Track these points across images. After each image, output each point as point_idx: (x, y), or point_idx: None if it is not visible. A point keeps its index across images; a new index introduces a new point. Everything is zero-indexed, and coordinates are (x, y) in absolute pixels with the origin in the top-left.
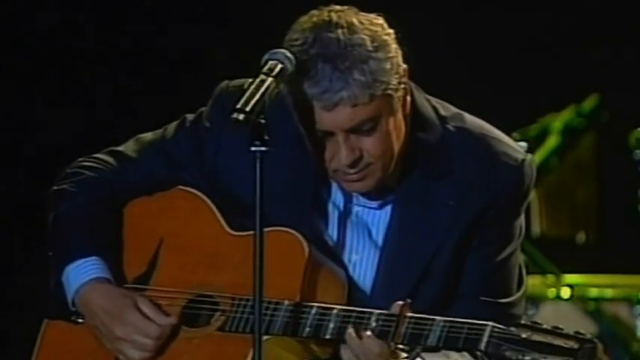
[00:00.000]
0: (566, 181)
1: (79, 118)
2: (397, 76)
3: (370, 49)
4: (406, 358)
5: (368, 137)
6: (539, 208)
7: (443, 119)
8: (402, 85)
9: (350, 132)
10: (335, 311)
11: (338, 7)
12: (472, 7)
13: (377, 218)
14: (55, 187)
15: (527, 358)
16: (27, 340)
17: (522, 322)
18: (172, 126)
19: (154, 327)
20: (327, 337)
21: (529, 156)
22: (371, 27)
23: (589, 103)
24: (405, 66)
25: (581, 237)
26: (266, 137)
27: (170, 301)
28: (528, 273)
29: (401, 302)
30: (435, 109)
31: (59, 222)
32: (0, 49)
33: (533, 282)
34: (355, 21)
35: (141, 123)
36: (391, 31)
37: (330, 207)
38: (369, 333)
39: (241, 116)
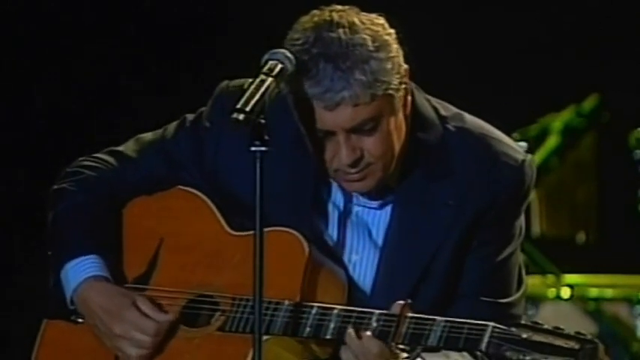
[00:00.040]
0: (566, 181)
1: (79, 118)
2: (398, 76)
3: (371, 48)
4: (407, 358)
5: (369, 137)
6: (539, 208)
7: (443, 119)
8: (403, 85)
9: (351, 132)
10: (335, 311)
11: (339, 7)
12: (472, 7)
13: (377, 218)
14: (55, 187)
15: (527, 358)
16: (27, 340)
17: (523, 322)
18: (172, 126)
19: (152, 324)
20: (328, 337)
21: (529, 156)
22: (372, 27)
23: (589, 103)
24: (406, 66)
25: (581, 237)
26: (266, 137)
27: (170, 301)
28: (528, 273)
29: (401, 302)
30: (435, 109)
31: (58, 221)
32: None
33: (533, 282)
34: (356, 21)
35: (141, 123)
36: (392, 31)
37: (330, 207)
38: (368, 333)
39: (241, 116)
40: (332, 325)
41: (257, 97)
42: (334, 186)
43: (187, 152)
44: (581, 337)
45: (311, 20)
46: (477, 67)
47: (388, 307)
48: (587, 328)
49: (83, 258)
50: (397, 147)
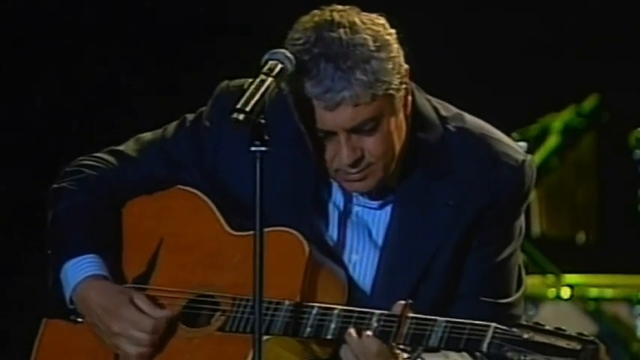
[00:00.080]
0: (566, 181)
1: (79, 118)
2: (399, 76)
3: (372, 48)
4: (408, 358)
5: (369, 137)
6: (539, 208)
7: (443, 119)
8: (404, 85)
9: (351, 132)
10: (336, 311)
11: (340, 7)
12: (473, 8)
13: (377, 218)
14: (55, 186)
15: (529, 358)
16: (27, 340)
17: (525, 322)
18: (172, 126)
19: (149, 321)
20: (329, 337)
21: (529, 157)
22: (373, 27)
23: (589, 103)
24: (406, 66)
25: (581, 237)
26: (266, 137)
27: (170, 301)
28: (528, 273)
29: (402, 302)
30: (435, 109)
31: (58, 220)
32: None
33: (533, 282)
34: (357, 21)
35: (141, 123)
36: (393, 31)
37: (331, 207)
38: (368, 332)
39: (241, 116)
40: (333, 326)
41: (257, 97)
42: (334, 186)
43: (187, 152)
44: (583, 337)
45: (312, 20)
46: (477, 67)
47: (388, 307)
48: (587, 328)
49: (83, 257)
50: (397, 147)
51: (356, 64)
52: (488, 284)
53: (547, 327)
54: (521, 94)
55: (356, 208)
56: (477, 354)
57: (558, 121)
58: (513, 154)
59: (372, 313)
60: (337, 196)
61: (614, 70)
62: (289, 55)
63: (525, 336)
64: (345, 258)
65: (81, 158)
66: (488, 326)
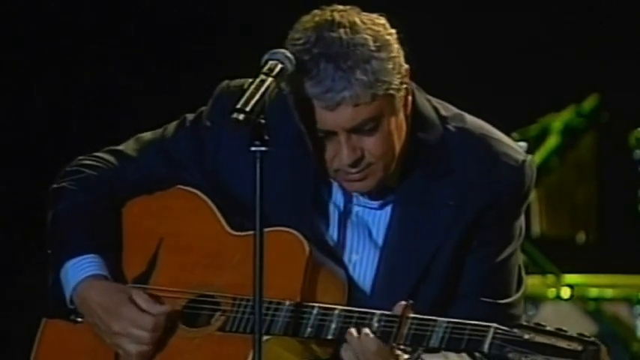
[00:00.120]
0: (566, 181)
1: (79, 118)
2: (399, 76)
3: (373, 48)
4: (408, 359)
5: (369, 137)
6: (539, 208)
7: (443, 119)
8: (404, 85)
9: (351, 132)
10: (337, 311)
11: (340, 7)
12: (472, 8)
13: (377, 218)
14: (55, 186)
15: (529, 359)
16: (27, 340)
17: (526, 323)
18: (172, 125)
19: (149, 318)
20: (329, 337)
21: (529, 157)
22: (373, 27)
23: (589, 103)
24: (406, 66)
25: (581, 237)
26: (266, 137)
27: (170, 301)
28: (528, 273)
29: (403, 303)
30: (435, 109)
31: (58, 220)
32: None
33: (533, 282)
34: (357, 21)
35: (141, 123)
36: (393, 31)
37: (331, 207)
38: (367, 331)
39: (241, 116)
40: (333, 326)
41: (257, 97)
42: (334, 186)
43: (187, 152)
44: (584, 338)
45: (312, 20)
46: (477, 67)
47: (388, 307)
48: (587, 328)
49: (83, 257)
50: (398, 147)
51: (356, 64)
52: (488, 284)
53: (548, 328)
54: (521, 94)
55: (356, 208)
56: (477, 354)
57: (558, 121)
58: (513, 154)
59: (373, 314)
60: (337, 196)
61: (614, 70)
62: (289, 55)
63: (526, 337)
64: (345, 258)
65: (81, 158)
66: (489, 327)
